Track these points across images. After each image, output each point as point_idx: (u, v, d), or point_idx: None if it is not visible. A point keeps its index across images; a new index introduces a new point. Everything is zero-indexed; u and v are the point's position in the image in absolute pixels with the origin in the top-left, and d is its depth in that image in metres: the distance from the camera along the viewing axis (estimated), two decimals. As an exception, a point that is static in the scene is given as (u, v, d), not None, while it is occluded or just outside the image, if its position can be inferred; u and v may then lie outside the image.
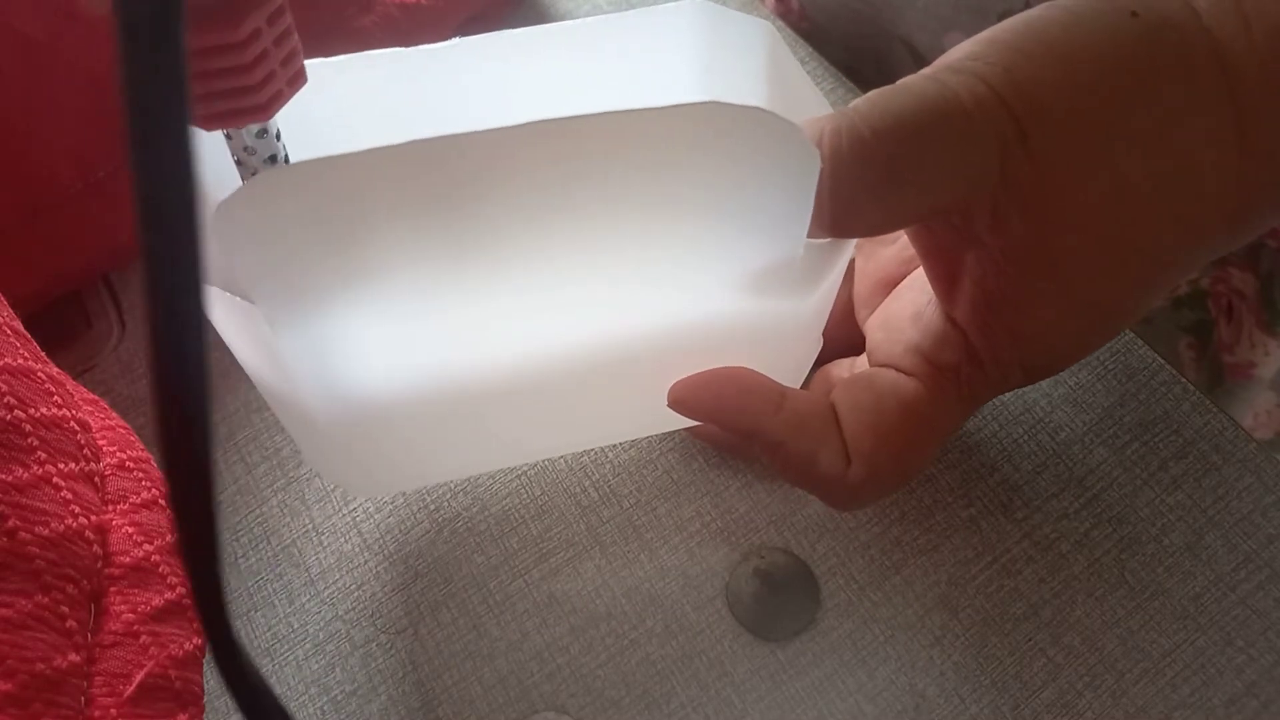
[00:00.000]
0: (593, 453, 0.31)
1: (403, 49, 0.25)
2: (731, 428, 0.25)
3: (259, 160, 0.21)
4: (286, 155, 0.21)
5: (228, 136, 0.20)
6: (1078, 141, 0.20)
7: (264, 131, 0.20)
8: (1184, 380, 0.31)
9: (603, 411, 0.28)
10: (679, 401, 0.25)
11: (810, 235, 0.21)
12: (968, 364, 0.23)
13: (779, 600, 0.28)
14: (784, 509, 0.30)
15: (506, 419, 0.26)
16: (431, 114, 0.27)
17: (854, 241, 0.23)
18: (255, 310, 0.19)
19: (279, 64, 0.19)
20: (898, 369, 0.24)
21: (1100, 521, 0.29)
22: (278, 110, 0.19)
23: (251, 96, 0.18)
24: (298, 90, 0.20)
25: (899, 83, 0.20)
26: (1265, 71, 0.20)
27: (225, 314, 0.20)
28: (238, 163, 0.21)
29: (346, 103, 0.24)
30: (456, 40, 0.25)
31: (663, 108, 0.18)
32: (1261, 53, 0.20)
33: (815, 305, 0.24)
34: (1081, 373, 0.32)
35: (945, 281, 0.23)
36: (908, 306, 0.25)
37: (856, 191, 0.20)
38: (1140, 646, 0.27)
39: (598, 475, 0.31)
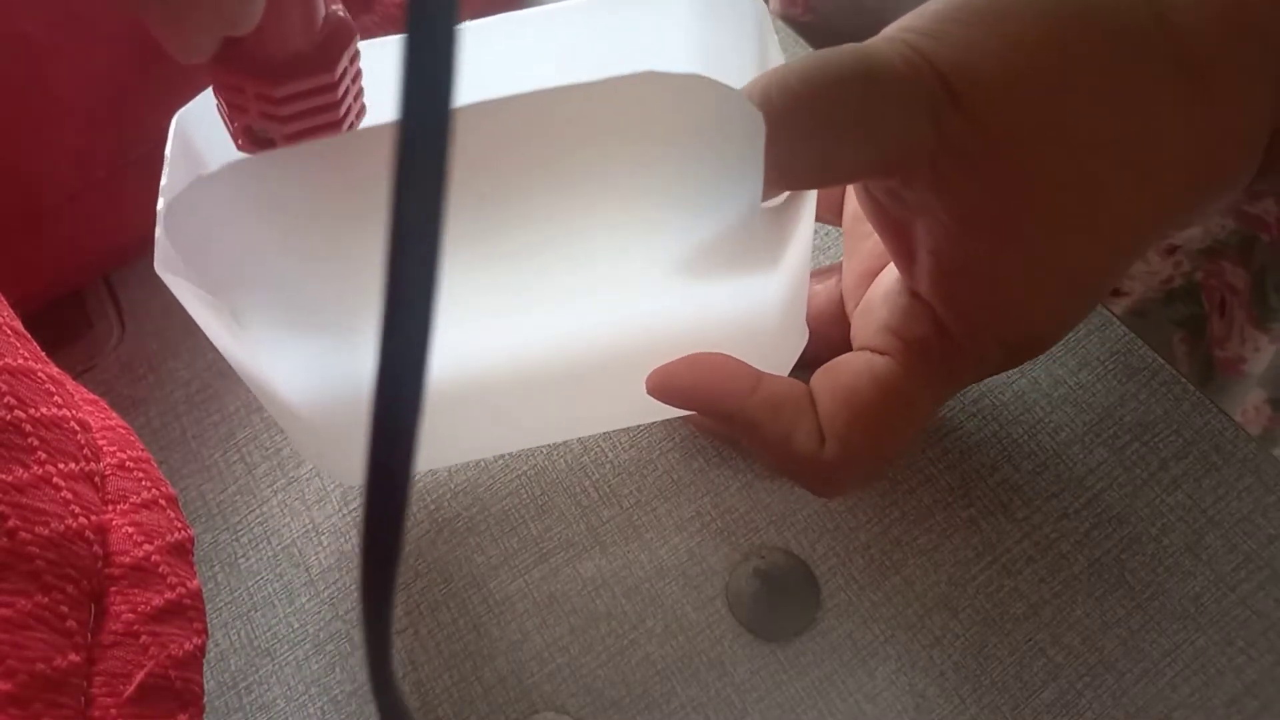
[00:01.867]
0: (593, 452, 0.31)
1: (385, 38, 0.25)
2: (708, 411, 0.25)
3: None
4: None
5: None
6: (1021, 100, 0.20)
7: None
8: (1184, 380, 0.31)
9: (582, 400, 0.27)
10: (656, 387, 0.25)
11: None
12: (937, 336, 0.23)
13: (779, 600, 0.28)
14: (784, 509, 0.30)
15: (479, 408, 0.26)
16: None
17: (810, 206, 0.23)
18: (222, 306, 0.20)
19: (354, 98, 0.21)
20: (872, 349, 0.24)
21: (1100, 521, 0.29)
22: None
23: (333, 129, 0.20)
24: (362, 120, 0.21)
25: (833, 48, 0.21)
26: (1209, 24, 0.20)
27: (199, 309, 0.21)
28: None
29: None
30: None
31: (601, 81, 0.18)
32: (1209, 14, 0.20)
33: (787, 282, 0.24)
34: (1081, 373, 0.32)
35: (903, 256, 0.23)
36: (881, 289, 0.25)
37: (787, 140, 0.20)
38: (1140, 646, 0.27)
39: (598, 475, 0.31)
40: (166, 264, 0.19)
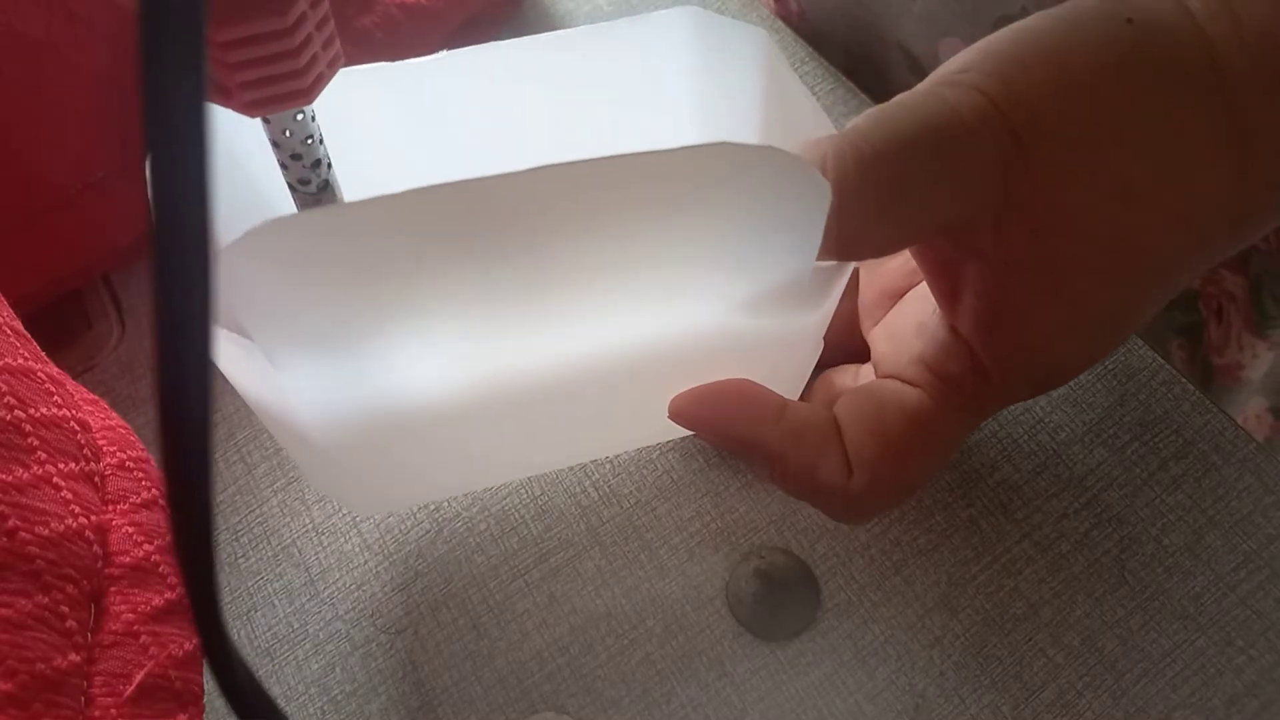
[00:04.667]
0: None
1: (388, 64, 0.25)
2: (732, 440, 0.25)
3: (296, 141, 0.21)
4: (321, 136, 0.21)
5: (265, 120, 0.20)
6: (1075, 149, 0.20)
7: (301, 113, 0.20)
8: (1184, 380, 0.31)
9: (607, 425, 0.28)
10: (679, 414, 0.25)
11: (817, 259, 0.21)
12: (972, 375, 0.23)
13: (779, 600, 0.28)
14: (784, 509, 0.30)
15: (515, 437, 0.26)
16: (422, 131, 0.27)
17: (851, 268, 0.23)
18: (255, 347, 0.19)
19: (321, 47, 0.19)
20: (902, 379, 0.24)
21: (1100, 521, 0.29)
22: (320, 92, 0.19)
23: (297, 81, 0.19)
24: (337, 71, 0.20)
25: (896, 99, 0.20)
26: (1258, 70, 0.20)
27: (228, 350, 0.20)
28: (274, 144, 0.21)
29: (334, 121, 0.24)
30: (444, 53, 0.25)
31: (676, 149, 0.18)
32: (1253, 52, 0.20)
33: (818, 319, 0.24)
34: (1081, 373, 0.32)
35: (948, 295, 0.23)
36: (912, 317, 0.25)
37: (862, 214, 0.20)
38: (1140, 646, 0.27)
39: (598, 475, 0.31)
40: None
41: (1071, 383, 0.31)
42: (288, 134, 0.21)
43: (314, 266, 0.18)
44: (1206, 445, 0.30)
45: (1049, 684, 0.27)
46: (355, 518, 0.31)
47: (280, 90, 0.19)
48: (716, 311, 0.22)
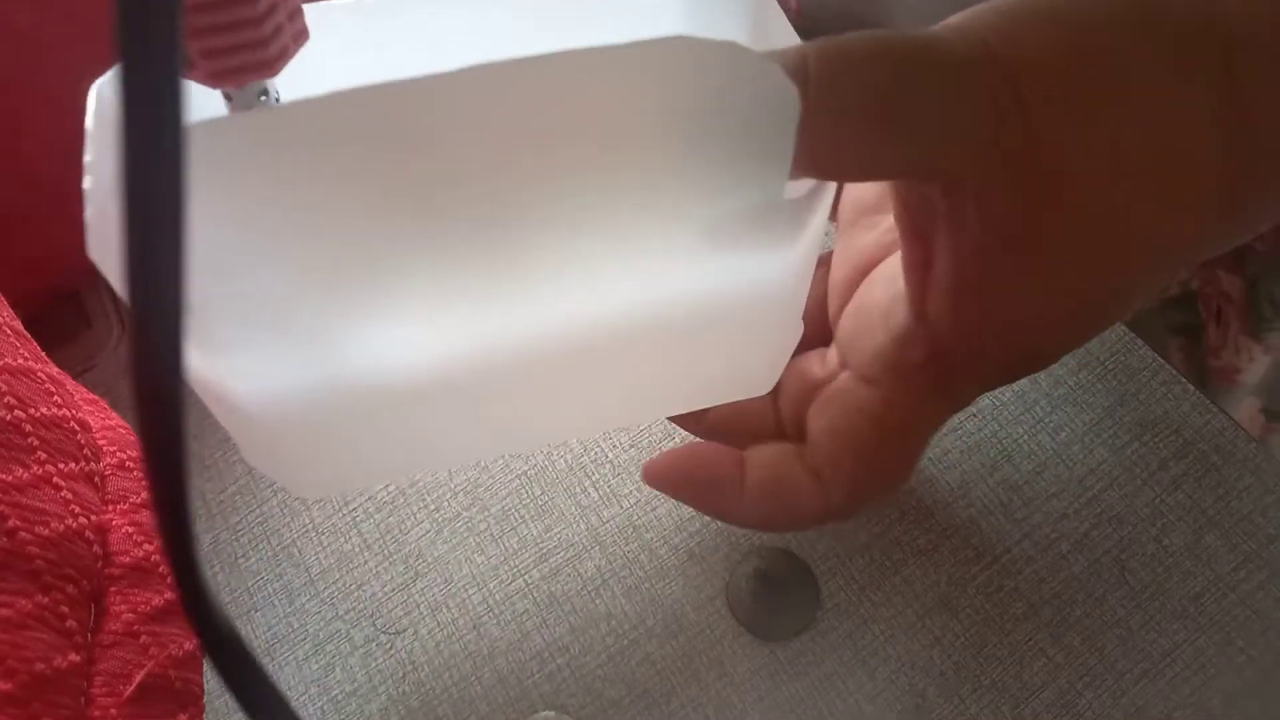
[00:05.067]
0: (593, 453, 0.31)
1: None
2: (705, 512, 0.26)
3: None
4: None
5: (228, 98, 0.20)
6: (1074, 111, 0.19)
7: (265, 92, 0.20)
8: (1184, 380, 0.31)
9: (578, 398, 0.26)
10: (654, 480, 0.26)
11: (790, 176, 0.19)
12: (934, 361, 0.22)
13: (779, 600, 0.28)
14: (784, 509, 0.30)
15: (481, 406, 0.25)
16: (397, 69, 0.25)
17: (830, 197, 0.22)
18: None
19: (286, 18, 0.18)
20: (865, 377, 0.24)
21: (1100, 521, 0.29)
22: (284, 66, 0.19)
23: (260, 51, 0.18)
24: (302, 46, 0.19)
25: (889, 30, 0.19)
26: (1267, 49, 0.19)
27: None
28: None
29: (299, 73, 0.23)
30: None
31: (627, 44, 0.16)
32: (1264, 29, 0.19)
33: (795, 270, 0.23)
34: (1081, 373, 0.32)
35: (920, 267, 0.22)
36: (880, 298, 0.24)
37: (839, 122, 0.18)
38: (1140, 646, 0.27)
39: (598, 475, 0.31)
40: (101, 249, 0.18)
41: (1071, 383, 0.31)
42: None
43: (213, 189, 0.16)
44: (1206, 445, 0.30)
45: (1049, 684, 0.27)
46: (355, 518, 0.31)
47: (242, 61, 0.18)
48: (690, 242, 0.21)
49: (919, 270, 0.22)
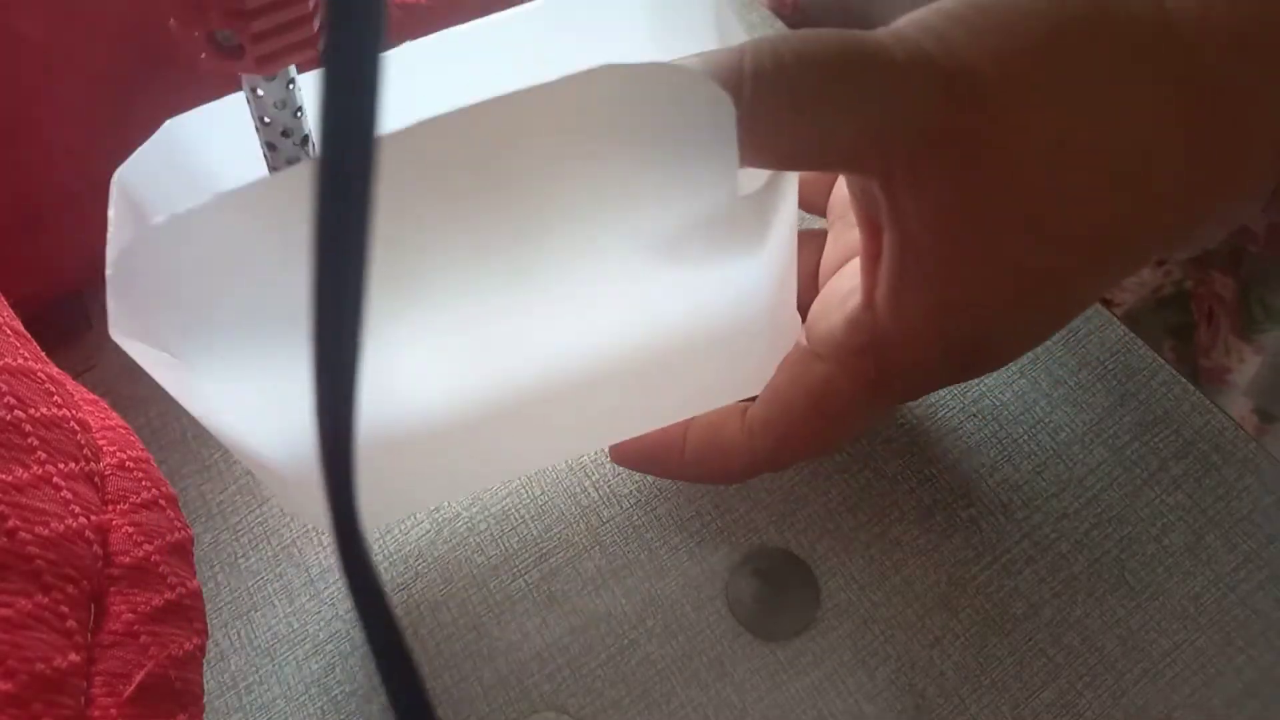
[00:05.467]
0: (593, 452, 0.31)
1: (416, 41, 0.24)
2: (657, 473, 0.29)
3: (288, 115, 0.20)
4: (303, 108, 0.21)
5: (257, 95, 0.20)
6: (1010, 105, 0.20)
7: (292, 82, 0.20)
8: (1184, 380, 0.31)
9: (575, 418, 0.27)
10: (619, 457, 0.28)
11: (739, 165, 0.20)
12: (873, 349, 0.23)
13: (779, 600, 0.28)
14: (784, 509, 0.30)
15: (463, 441, 0.25)
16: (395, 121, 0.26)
17: (792, 189, 0.22)
18: (180, 365, 0.19)
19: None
20: (816, 353, 0.24)
21: (1100, 521, 0.29)
22: (318, 45, 0.19)
23: (305, 29, 0.18)
24: None
25: (828, 30, 0.20)
26: (1221, 51, 0.20)
27: (162, 373, 0.20)
28: (263, 123, 0.20)
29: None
30: (406, 44, 0.25)
31: (556, 81, 0.17)
32: (1222, 32, 0.20)
33: (773, 271, 0.23)
34: (1081, 373, 0.32)
35: (872, 259, 0.22)
36: (845, 285, 0.25)
37: (772, 112, 0.19)
38: (1140, 646, 0.27)
39: (598, 475, 0.31)
40: (121, 329, 0.18)
41: (1071, 383, 0.31)
42: (280, 105, 0.20)
43: (218, 260, 0.17)
44: (1206, 445, 0.30)
45: (1049, 684, 0.27)
46: (355, 518, 0.31)
47: (289, 40, 0.18)
48: (659, 263, 0.21)
49: (871, 260, 0.22)
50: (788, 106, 0.20)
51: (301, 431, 0.21)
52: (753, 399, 0.26)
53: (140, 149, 0.22)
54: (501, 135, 0.18)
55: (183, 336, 0.18)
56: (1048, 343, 0.32)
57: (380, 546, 0.30)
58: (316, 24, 0.19)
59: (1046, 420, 0.31)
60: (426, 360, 0.21)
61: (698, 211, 0.20)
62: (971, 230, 0.20)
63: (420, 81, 0.25)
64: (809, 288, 0.28)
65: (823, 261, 0.27)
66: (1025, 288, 0.21)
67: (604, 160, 0.19)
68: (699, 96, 0.18)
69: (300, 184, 0.17)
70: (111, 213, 0.21)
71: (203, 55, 0.18)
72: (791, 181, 0.22)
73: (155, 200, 0.23)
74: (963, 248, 0.20)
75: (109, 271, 0.19)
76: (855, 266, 0.25)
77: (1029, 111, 0.20)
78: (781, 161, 0.21)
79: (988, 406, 0.31)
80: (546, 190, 0.19)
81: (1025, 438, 0.31)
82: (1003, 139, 0.20)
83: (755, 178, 0.21)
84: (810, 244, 0.28)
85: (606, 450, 0.31)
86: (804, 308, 0.27)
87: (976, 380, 0.32)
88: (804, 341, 0.25)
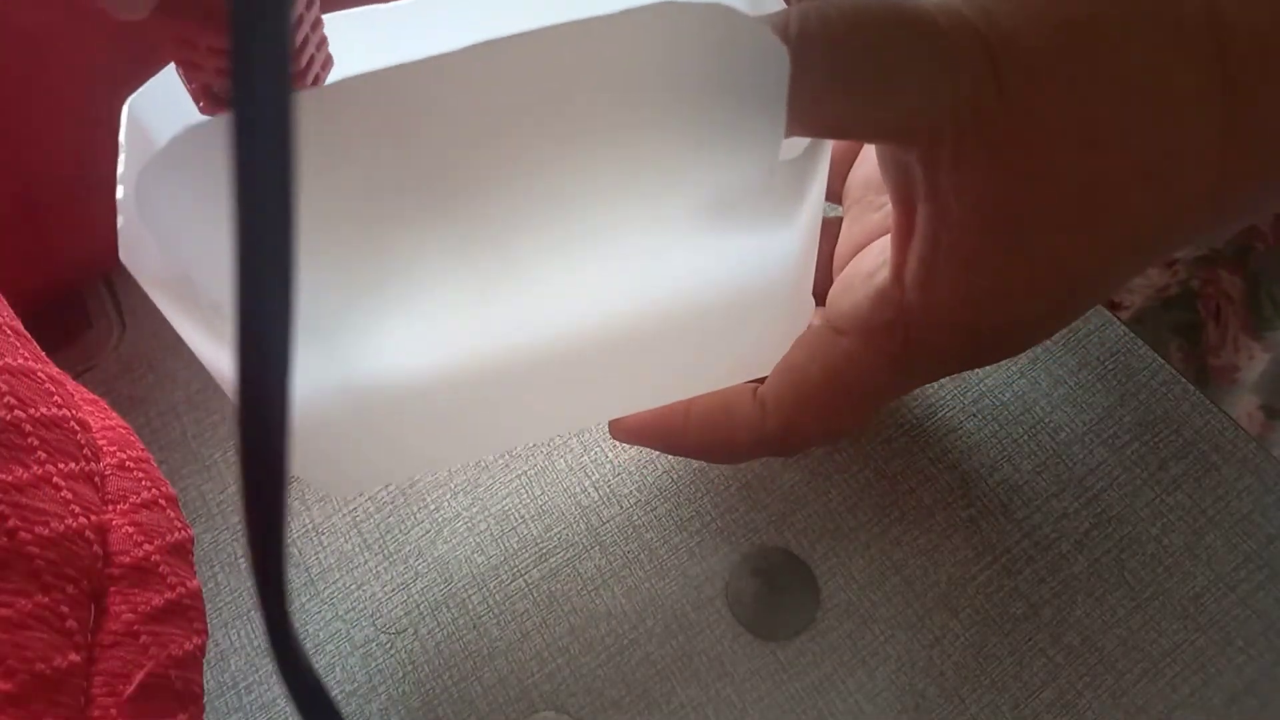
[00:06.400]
0: (593, 452, 0.31)
1: (365, 9, 0.23)
2: (658, 447, 0.28)
3: None
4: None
5: None
6: (1053, 85, 0.19)
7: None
8: (1184, 380, 0.31)
9: (592, 383, 0.26)
10: (619, 433, 0.28)
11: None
12: (901, 326, 0.22)
13: (779, 600, 0.28)
14: (784, 509, 0.30)
15: (483, 401, 0.25)
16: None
17: (826, 161, 0.22)
18: (197, 295, 0.18)
19: (315, 48, 0.19)
20: (837, 327, 0.24)
21: (1100, 521, 0.29)
22: None
23: (298, 78, 0.18)
24: (329, 74, 0.19)
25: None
26: (1259, 35, 0.19)
27: (172, 305, 0.19)
28: None
29: None
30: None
31: (618, 13, 0.16)
32: (1263, 17, 0.19)
33: (800, 244, 0.23)
34: (1081, 373, 0.32)
35: (904, 235, 0.22)
36: (870, 263, 0.24)
37: (819, 80, 0.19)
38: (1140, 646, 0.27)
39: (598, 475, 0.31)
40: (132, 256, 0.18)
41: (1071, 383, 0.31)
42: None
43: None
44: (1206, 445, 0.30)
45: (1049, 684, 0.27)
46: (355, 518, 0.31)
47: None
48: (692, 223, 0.21)
49: (903, 237, 0.22)
50: (835, 74, 0.19)
51: (324, 370, 0.21)
52: (761, 380, 0.26)
53: (153, 79, 0.21)
54: (545, 70, 0.17)
55: (203, 252, 0.18)
56: (1048, 343, 0.32)
57: (380, 546, 0.30)
58: (308, 78, 0.19)
59: (1046, 420, 0.31)
60: (449, 305, 0.21)
61: (737, 173, 0.20)
62: (1008, 211, 0.20)
63: (433, 37, 0.24)
64: (824, 274, 0.27)
65: (838, 246, 0.27)
66: (1048, 275, 0.21)
67: (649, 106, 0.18)
68: (758, 46, 0.17)
69: (321, 97, 0.16)
70: (122, 139, 0.20)
71: (200, 104, 0.19)
72: (826, 152, 0.21)
73: (167, 128, 0.22)
74: (998, 228, 0.20)
75: (121, 195, 0.18)
76: (881, 245, 0.25)
77: (1068, 94, 0.19)
78: (823, 129, 0.20)
79: (988, 406, 0.31)
80: (591, 125, 0.18)
81: (1025, 438, 0.31)
82: (1042, 122, 0.19)
83: (793, 146, 0.20)
84: (824, 231, 0.28)
85: (606, 447, 0.31)
86: (819, 294, 0.27)
87: (976, 380, 0.32)
88: (817, 323, 0.25)
